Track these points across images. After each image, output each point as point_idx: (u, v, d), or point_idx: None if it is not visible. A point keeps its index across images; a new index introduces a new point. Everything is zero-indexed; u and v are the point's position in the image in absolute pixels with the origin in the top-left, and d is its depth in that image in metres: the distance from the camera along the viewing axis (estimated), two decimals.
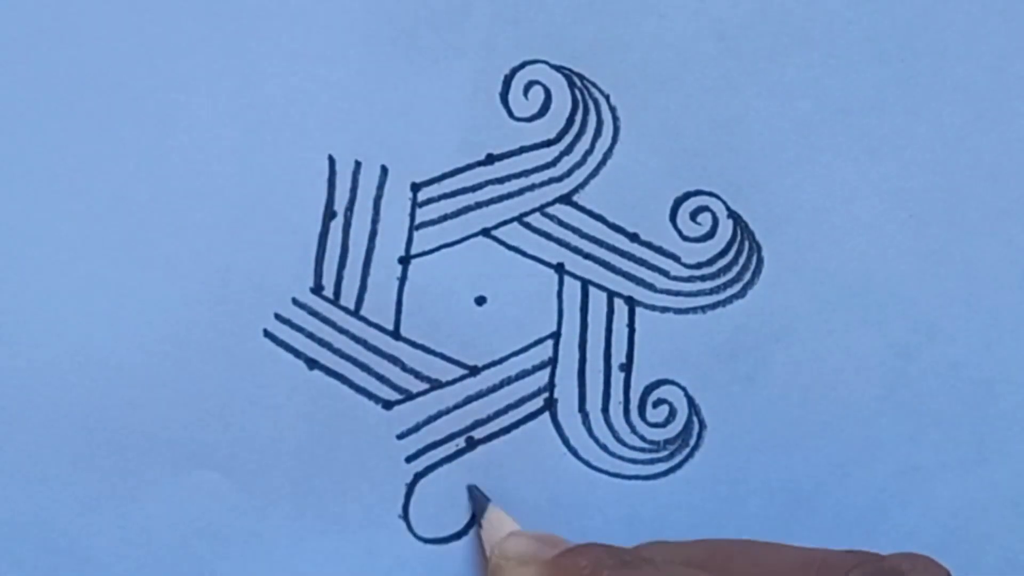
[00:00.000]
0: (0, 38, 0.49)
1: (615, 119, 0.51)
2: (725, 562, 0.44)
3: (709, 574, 0.44)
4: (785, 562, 0.44)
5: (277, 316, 0.50)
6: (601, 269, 0.51)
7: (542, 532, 0.49)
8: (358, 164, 0.50)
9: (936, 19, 0.51)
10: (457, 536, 0.51)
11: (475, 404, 0.51)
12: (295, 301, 0.50)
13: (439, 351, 0.51)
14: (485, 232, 0.51)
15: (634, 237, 0.51)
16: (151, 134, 0.49)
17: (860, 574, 0.42)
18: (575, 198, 0.51)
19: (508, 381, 0.51)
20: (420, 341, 0.51)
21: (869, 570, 0.42)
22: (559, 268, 0.51)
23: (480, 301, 0.51)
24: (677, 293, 0.51)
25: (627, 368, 0.51)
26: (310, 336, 0.50)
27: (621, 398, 0.51)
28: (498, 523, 0.50)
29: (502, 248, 0.51)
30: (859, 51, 0.51)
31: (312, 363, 0.50)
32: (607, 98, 0.51)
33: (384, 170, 0.50)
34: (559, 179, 0.51)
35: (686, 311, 0.51)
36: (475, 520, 0.51)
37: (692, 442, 0.52)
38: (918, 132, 0.51)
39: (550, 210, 0.51)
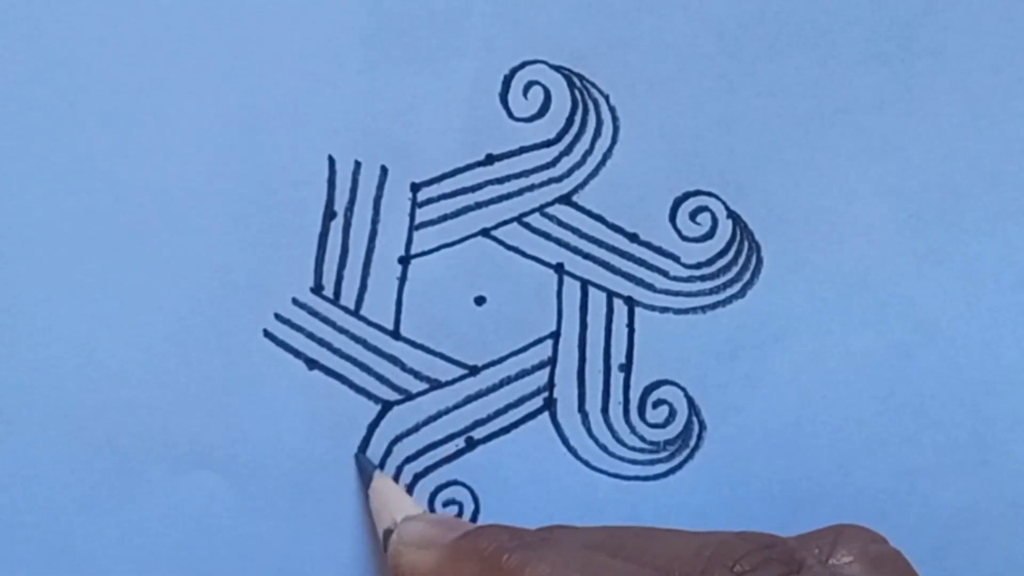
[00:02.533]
0: (0, 38, 0.49)
1: (615, 119, 0.51)
2: (621, 544, 0.44)
3: (606, 555, 0.43)
4: (680, 545, 0.43)
5: (277, 316, 0.50)
6: (600, 269, 0.51)
7: (440, 515, 0.49)
8: (358, 164, 0.50)
9: (936, 19, 0.51)
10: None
11: (474, 404, 0.51)
12: (295, 301, 0.50)
13: (439, 351, 0.51)
14: (485, 232, 0.51)
15: (633, 237, 0.51)
16: (151, 134, 0.49)
17: (752, 561, 0.42)
18: (575, 198, 0.51)
19: (507, 381, 0.51)
20: (420, 341, 0.51)
21: (762, 556, 0.42)
22: (559, 268, 0.51)
23: (480, 301, 0.51)
24: (677, 293, 0.51)
25: (627, 368, 0.51)
26: (310, 336, 0.50)
27: (621, 398, 0.51)
28: (385, 492, 0.49)
29: (502, 248, 0.51)
30: (859, 51, 0.51)
31: (312, 363, 0.50)
32: (607, 98, 0.51)
33: (384, 170, 0.50)
34: (559, 179, 0.51)
35: (686, 311, 0.51)
36: (365, 489, 0.50)
37: (692, 443, 0.51)
38: (917, 132, 0.51)
39: (550, 210, 0.51)
